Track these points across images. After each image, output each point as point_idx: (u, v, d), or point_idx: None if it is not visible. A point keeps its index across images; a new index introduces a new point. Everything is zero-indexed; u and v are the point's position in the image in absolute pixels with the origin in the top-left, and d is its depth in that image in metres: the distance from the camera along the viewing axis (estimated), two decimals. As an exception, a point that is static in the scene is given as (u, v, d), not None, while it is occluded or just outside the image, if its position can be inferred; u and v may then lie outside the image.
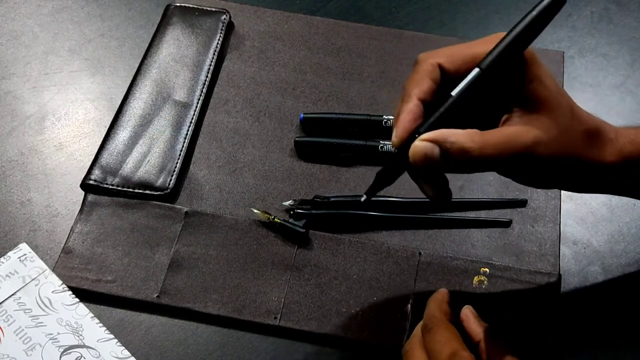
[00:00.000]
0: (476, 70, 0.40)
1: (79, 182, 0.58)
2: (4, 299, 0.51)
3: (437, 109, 0.40)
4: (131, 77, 0.64)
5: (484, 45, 0.40)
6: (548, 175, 0.43)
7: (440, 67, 0.41)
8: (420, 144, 0.39)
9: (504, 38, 0.40)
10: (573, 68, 0.66)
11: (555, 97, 0.40)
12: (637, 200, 0.58)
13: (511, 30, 0.40)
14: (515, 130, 0.40)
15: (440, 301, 0.46)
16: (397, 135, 0.40)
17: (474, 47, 0.41)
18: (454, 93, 0.40)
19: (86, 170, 0.58)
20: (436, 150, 0.39)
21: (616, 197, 0.58)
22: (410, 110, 0.40)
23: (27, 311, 0.50)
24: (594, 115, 0.43)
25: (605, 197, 0.58)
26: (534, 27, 0.39)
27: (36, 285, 0.52)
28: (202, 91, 0.63)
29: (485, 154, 0.39)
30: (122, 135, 0.60)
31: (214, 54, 0.66)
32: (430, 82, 0.41)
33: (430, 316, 0.45)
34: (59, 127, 0.63)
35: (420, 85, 0.40)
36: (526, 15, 0.40)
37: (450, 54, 0.41)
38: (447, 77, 0.41)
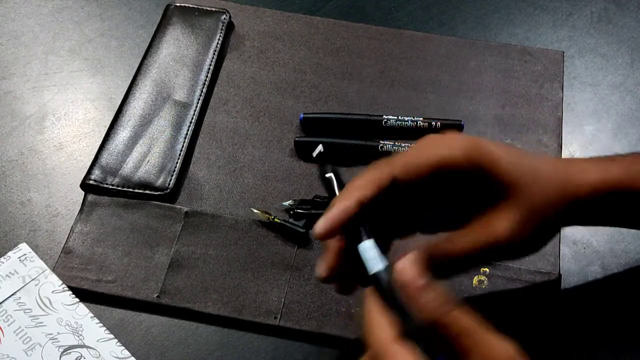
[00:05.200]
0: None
1: (79, 182, 0.58)
2: (4, 299, 0.51)
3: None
4: (131, 77, 0.64)
5: (440, 148, 0.41)
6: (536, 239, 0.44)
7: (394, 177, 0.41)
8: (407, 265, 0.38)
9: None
10: (573, 68, 0.66)
11: (515, 172, 0.41)
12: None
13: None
14: (483, 227, 0.42)
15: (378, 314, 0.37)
16: (322, 226, 0.39)
17: (429, 152, 0.41)
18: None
19: (86, 170, 0.58)
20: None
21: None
22: (345, 207, 0.40)
23: (27, 311, 0.50)
24: (555, 156, 0.43)
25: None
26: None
27: (36, 285, 0.52)
28: (202, 91, 0.63)
29: (465, 251, 0.42)
30: (122, 135, 0.60)
31: (214, 54, 0.66)
32: (375, 190, 0.41)
33: (375, 343, 0.36)
34: (59, 127, 0.63)
35: (364, 190, 0.40)
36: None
37: (405, 164, 0.41)
38: (401, 185, 0.41)
